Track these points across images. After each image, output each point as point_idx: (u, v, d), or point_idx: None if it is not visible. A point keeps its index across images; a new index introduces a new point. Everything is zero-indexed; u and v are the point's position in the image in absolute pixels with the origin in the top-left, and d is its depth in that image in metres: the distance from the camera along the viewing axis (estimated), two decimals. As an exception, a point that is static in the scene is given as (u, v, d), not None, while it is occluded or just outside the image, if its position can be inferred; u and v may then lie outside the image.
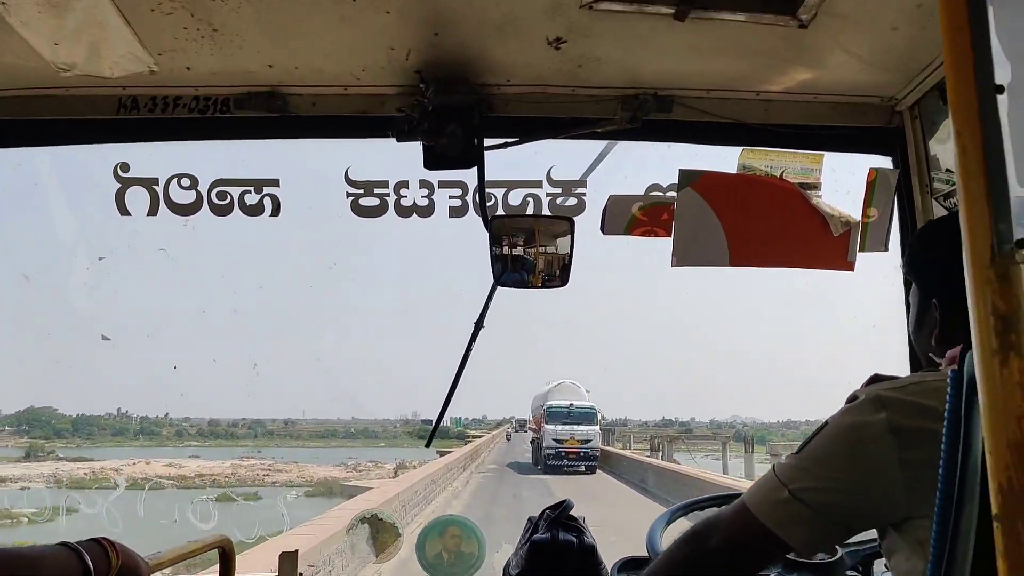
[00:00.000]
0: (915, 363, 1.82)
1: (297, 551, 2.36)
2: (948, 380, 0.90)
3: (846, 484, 1.19)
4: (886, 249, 2.18)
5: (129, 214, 2.21)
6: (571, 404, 35.18)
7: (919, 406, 1.13)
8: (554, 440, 32.70)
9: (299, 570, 2.37)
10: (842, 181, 2.24)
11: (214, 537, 1.90)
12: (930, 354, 1.32)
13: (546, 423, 33.46)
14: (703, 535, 1.31)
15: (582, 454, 32.35)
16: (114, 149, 2.18)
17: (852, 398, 1.23)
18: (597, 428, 34.97)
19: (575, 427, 33.03)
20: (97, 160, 2.22)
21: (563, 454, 32.28)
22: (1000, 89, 0.59)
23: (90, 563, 1.21)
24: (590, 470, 32.05)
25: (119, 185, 2.21)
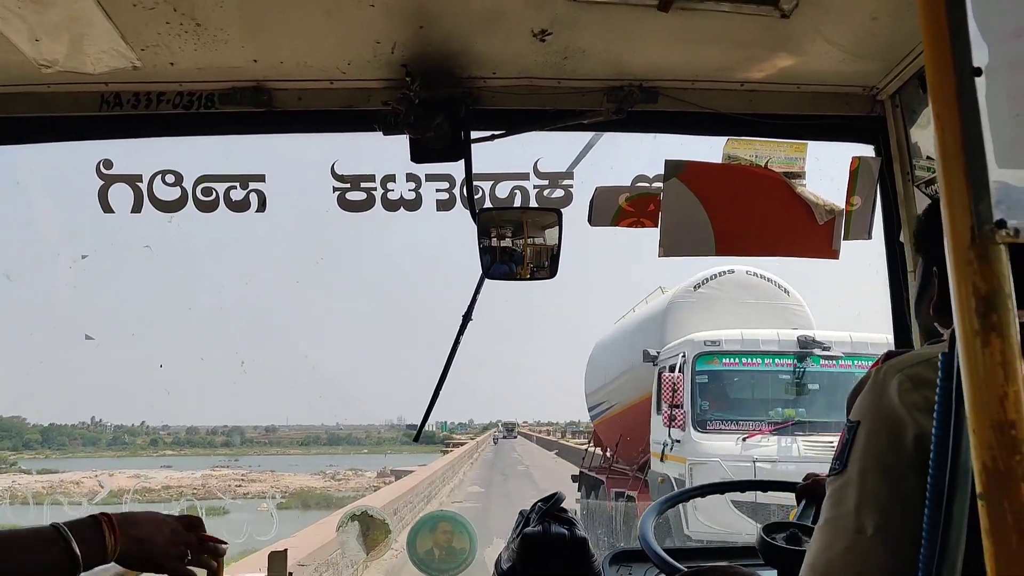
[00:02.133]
0: (902, 347, 1.84)
1: (287, 550, 2.36)
2: (939, 362, 0.90)
3: (911, 480, 0.98)
4: (870, 237, 2.20)
5: (112, 211, 2.19)
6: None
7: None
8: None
9: (288, 569, 2.37)
10: (826, 170, 2.27)
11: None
12: (935, 324, 1.22)
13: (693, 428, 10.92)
14: None
15: None
16: (97, 146, 2.17)
17: (868, 380, 1.09)
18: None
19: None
20: (80, 157, 2.20)
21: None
22: (978, 72, 0.60)
23: (77, 549, 1.14)
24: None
25: (102, 182, 2.19)
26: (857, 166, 2.17)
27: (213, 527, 1.47)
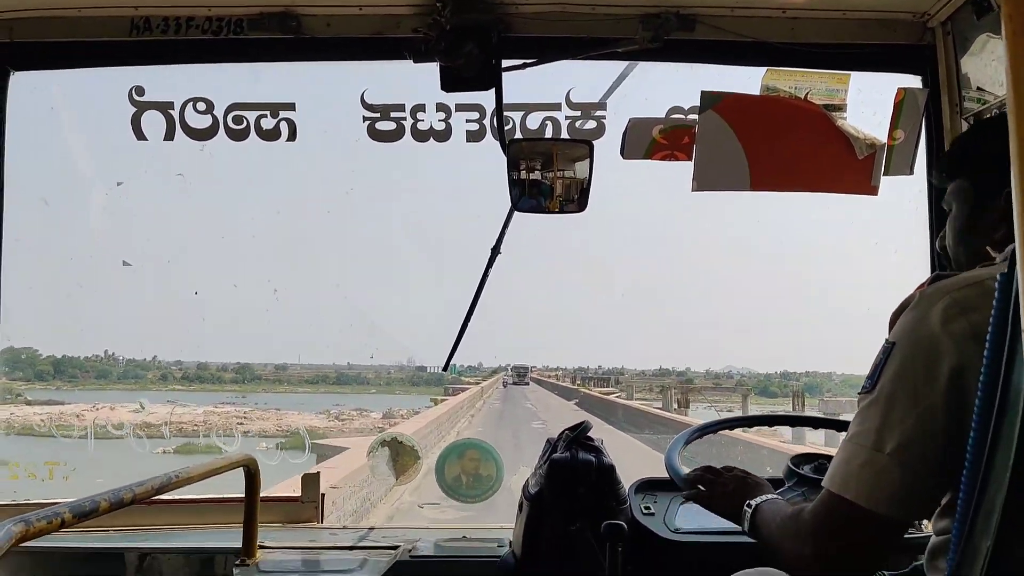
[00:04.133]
0: None
1: (319, 472, 2.44)
2: (996, 282, 0.86)
3: (940, 414, 0.99)
4: (912, 172, 2.14)
5: (146, 139, 2.20)
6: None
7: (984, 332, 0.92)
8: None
9: (321, 491, 2.45)
10: (868, 102, 2.19)
11: (239, 456, 1.97)
12: (987, 248, 1.17)
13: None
14: (793, 540, 1.14)
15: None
16: (129, 72, 2.16)
17: (912, 299, 1.07)
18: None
19: None
20: (113, 83, 2.20)
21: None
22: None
23: None
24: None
25: (135, 109, 2.20)
26: (902, 98, 2.09)
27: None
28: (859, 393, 1.11)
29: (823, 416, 1.96)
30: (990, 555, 0.87)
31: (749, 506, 1.33)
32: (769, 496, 1.35)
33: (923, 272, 2.14)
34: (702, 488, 1.51)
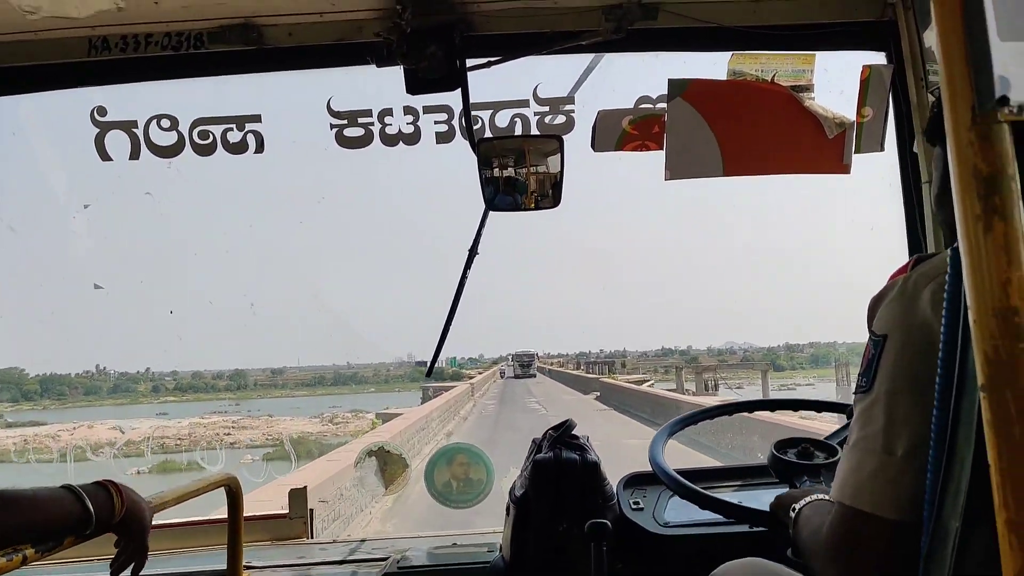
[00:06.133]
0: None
1: (306, 487, 2.42)
2: (947, 256, 0.85)
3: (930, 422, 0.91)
4: (882, 149, 2.14)
5: (111, 159, 2.17)
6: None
7: None
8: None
9: (309, 506, 2.43)
10: (835, 81, 2.19)
11: (220, 476, 1.93)
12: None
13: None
14: (818, 560, 1.05)
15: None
16: (90, 93, 2.14)
17: (892, 288, 1.01)
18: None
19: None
20: (74, 105, 2.17)
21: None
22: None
23: (91, 507, 1.21)
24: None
25: (97, 130, 2.17)
26: (868, 75, 2.09)
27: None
28: (855, 393, 1.04)
29: (824, 400, 1.91)
30: (959, 535, 0.86)
31: (793, 510, 1.23)
32: (812, 497, 1.24)
33: (898, 245, 2.15)
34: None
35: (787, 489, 1.54)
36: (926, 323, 0.94)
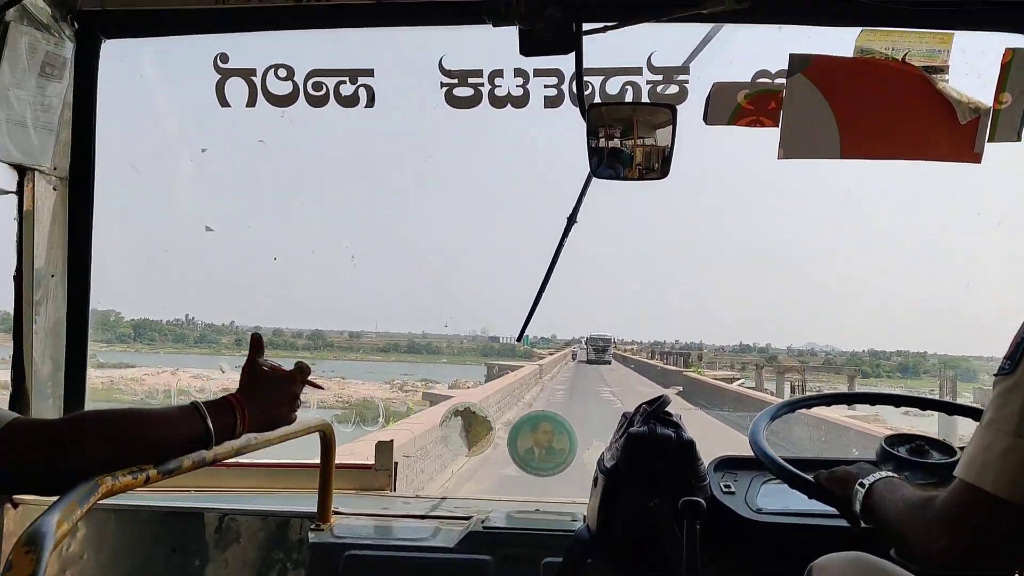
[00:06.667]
0: None
1: (392, 441, 2.45)
2: None
3: None
4: (1020, 138, 2.00)
5: (229, 105, 2.24)
6: None
7: None
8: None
9: (394, 459, 2.47)
10: (973, 63, 2.06)
11: (317, 421, 1.99)
12: None
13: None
14: (920, 531, 1.04)
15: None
16: (214, 40, 2.20)
17: None
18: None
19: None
20: (198, 51, 2.24)
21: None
22: None
23: (211, 425, 1.28)
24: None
25: (219, 76, 2.24)
26: (1010, 59, 1.96)
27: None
28: (996, 375, 1.03)
29: (926, 397, 1.83)
30: None
31: (862, 485, 1.24)
32: (882, 475, 1.26)
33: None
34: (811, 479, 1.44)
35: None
36: None
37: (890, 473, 1.28)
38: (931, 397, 1.87)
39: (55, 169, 2.17)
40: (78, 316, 2.28)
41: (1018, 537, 0.95)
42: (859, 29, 2.02)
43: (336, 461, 2.10)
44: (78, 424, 1.18)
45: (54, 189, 2.18)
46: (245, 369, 1.41)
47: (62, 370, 2.29)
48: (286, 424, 1.47)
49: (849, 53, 2.04)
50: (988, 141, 2.00)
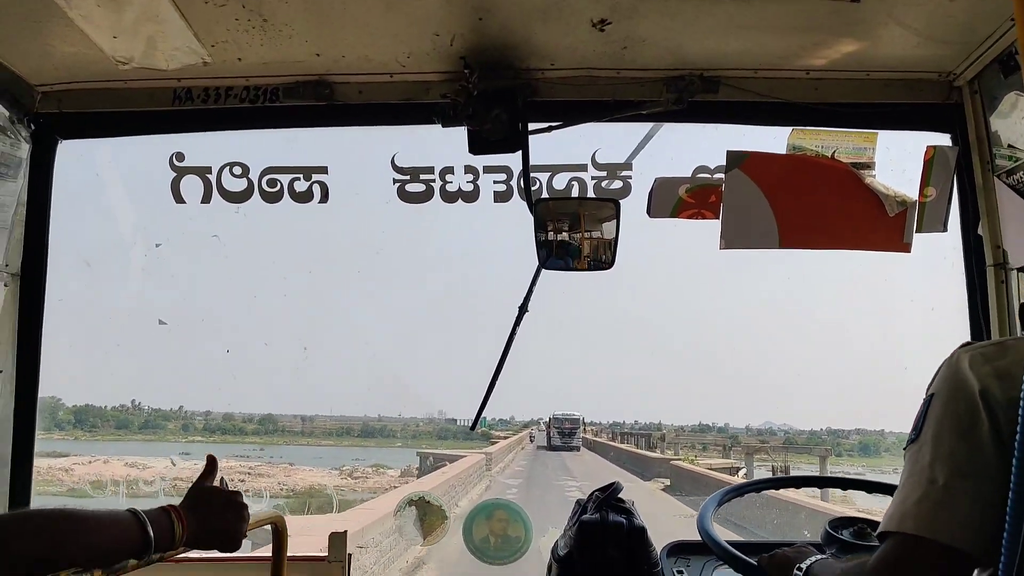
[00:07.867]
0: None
1: (346, 532, 2.41)
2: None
3: (974, 459, 1.00)
4: (945, 229, 2.11)
5: (184, 202, 2.28)
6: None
7: (1004, 372, 1.01)
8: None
9: (348, 551, 2.42)
10: (897, 160, 2.18)
11: (268, 514, 1.96)
12: None
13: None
14: None
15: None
16: (170, 139, 2.25)
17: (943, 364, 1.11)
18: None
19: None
20: (154, 150, 2.29)
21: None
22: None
23: (151, 532, 1.21)
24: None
25: (174, 174, 2.28)
26: (932, 155, 2.08)
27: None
28: (905, 448, 1.11)
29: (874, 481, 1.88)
30: None
31: (800, 569, 1.30)
32: (819, 557, 1.33)
33: (961, 327, 2.10)
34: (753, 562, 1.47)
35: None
36: (966, 379, 1.04)
37: (823, 556, 1.34)
38: (851, 477, 1.92)
39: (7, 266, 2.17)
40: (26, 412, 2.24)
41: (948, 571, 1.01)
42: (790, 128, 2.14)
43: (288, 553, 2.06)
44: (22, 521, 1.14)
45: (4, 285, 2.18)
46: (194, 486, 1.37)
47: (8, 466, 2.24)
48: (235, 535, 1.39)
49: (782, 150, 2.15)
50: (916, 232, 2.10)
